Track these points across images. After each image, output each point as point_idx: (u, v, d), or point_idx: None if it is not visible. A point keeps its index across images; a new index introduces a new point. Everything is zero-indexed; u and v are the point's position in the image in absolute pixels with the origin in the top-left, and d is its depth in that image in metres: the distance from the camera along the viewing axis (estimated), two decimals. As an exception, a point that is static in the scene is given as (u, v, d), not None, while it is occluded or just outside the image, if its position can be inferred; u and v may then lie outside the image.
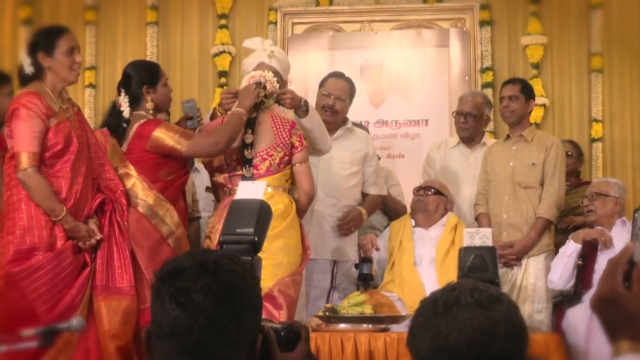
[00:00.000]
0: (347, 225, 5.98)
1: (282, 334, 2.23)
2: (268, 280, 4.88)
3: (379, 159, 6.45)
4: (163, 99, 5.16)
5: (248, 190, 3.47)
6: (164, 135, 4.94)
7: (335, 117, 6.07)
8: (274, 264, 4.97)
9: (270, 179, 5.13)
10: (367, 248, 5.81)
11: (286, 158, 5.24)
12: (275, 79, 5.33)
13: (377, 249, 5.83)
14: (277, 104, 5.37)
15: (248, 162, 5.22)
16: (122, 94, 5.08)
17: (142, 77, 5.09)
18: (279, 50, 5.76)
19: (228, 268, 1.99)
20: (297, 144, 5.25)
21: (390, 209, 6.48)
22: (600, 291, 1.74)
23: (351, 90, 6.19)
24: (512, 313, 1.94)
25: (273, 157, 5.21)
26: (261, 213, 3.04)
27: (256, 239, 2.89)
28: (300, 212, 5.31)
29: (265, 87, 5.26)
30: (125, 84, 5.10)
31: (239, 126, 5.13)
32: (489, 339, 1.89)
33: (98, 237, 4.66)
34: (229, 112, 5.26)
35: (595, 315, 1.75)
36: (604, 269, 1.78)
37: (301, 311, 5.46)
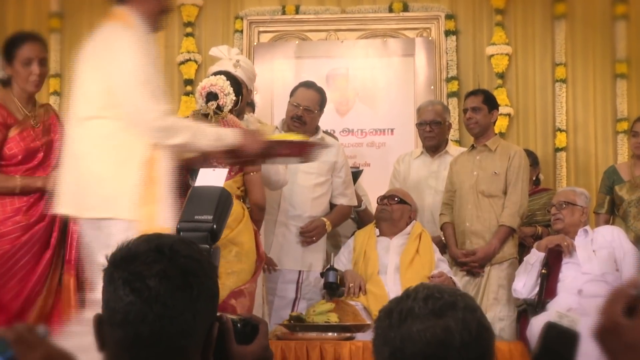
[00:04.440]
0: (308, 234, 5.96)
1: (239, 326, 2.15)
2: (221, 289, 4.82)
3: None
4: None
5: (208, 177, 3.31)
6: None
7: (304, 127, 6.01)
8: (227, 273, 4.91)
9: None
10: (353, 291, 5.72)
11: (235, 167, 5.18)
12: (228, 82, 5.17)
13: (364, 293, 5.74)
14: (231, 114, 5.26)
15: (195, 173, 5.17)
16: None
17: None
18: (245, 59, 5.73)
19: (185, 253, 1.91)
20: None
21: (365, 223, 6.43)
22: (601, 321, 1.73)
23: (321, 101, 6.11)
24: (468, 318, 1.89)
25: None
26: (221, 200, 2.86)
27: (215, 226, 2.73)
28: (254, 222, 5.23)
29: (217, 97, 5.10)
30: None
31: None
32: (444, 350, 1.86)
33: None
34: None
35: (598, 345, 1.74)
36: (605, 299, 1.77)
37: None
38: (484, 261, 6.02)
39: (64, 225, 4.73)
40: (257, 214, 5.26)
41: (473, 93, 6.44)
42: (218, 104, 5.10)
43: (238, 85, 5.31)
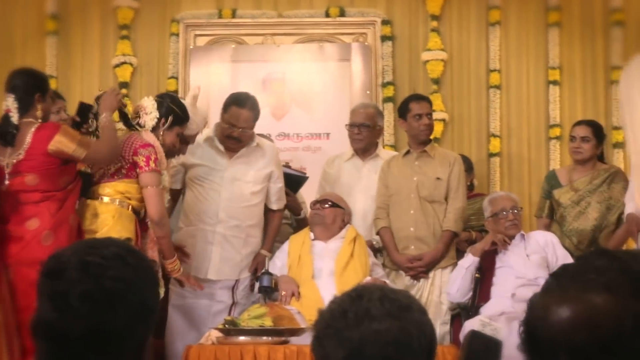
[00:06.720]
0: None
1: None
2: None
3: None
4: (48, 110, 5.11)
5: None
6: (62, 146, 4.86)
7: (240, 145, 6.00)
8: None
9: (101, 186, 5.16)
10: (285, 299, 5.71)
11: (123, 171, 5.14)
12: (153, 103, 5.31)
13: (297, 299, 5.73)
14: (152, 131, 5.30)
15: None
16: (12, 99, 4.93)
17: (35, 84, 4.99)
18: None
19: (112, 274, 1.86)
20: (142, 163, 5.10)
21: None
22: None
23: (255, 116, 6.00)
24: (423, 321, 1.90)
25: (109, 168, 5.17)
26: None
27: None
28: (158, 239, 5.20)
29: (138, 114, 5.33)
30: (14, 89, 4.96)
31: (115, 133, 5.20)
32: (402, 351, 1.85)
33: None
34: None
35: None
36: None
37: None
38: (431, 266, 6.09)
39: None
40: (155, 230, 5.18)
41: (423, 98, 6.51)
42: (138, 122, 5.29)
43: (170, 108, 5.35)
